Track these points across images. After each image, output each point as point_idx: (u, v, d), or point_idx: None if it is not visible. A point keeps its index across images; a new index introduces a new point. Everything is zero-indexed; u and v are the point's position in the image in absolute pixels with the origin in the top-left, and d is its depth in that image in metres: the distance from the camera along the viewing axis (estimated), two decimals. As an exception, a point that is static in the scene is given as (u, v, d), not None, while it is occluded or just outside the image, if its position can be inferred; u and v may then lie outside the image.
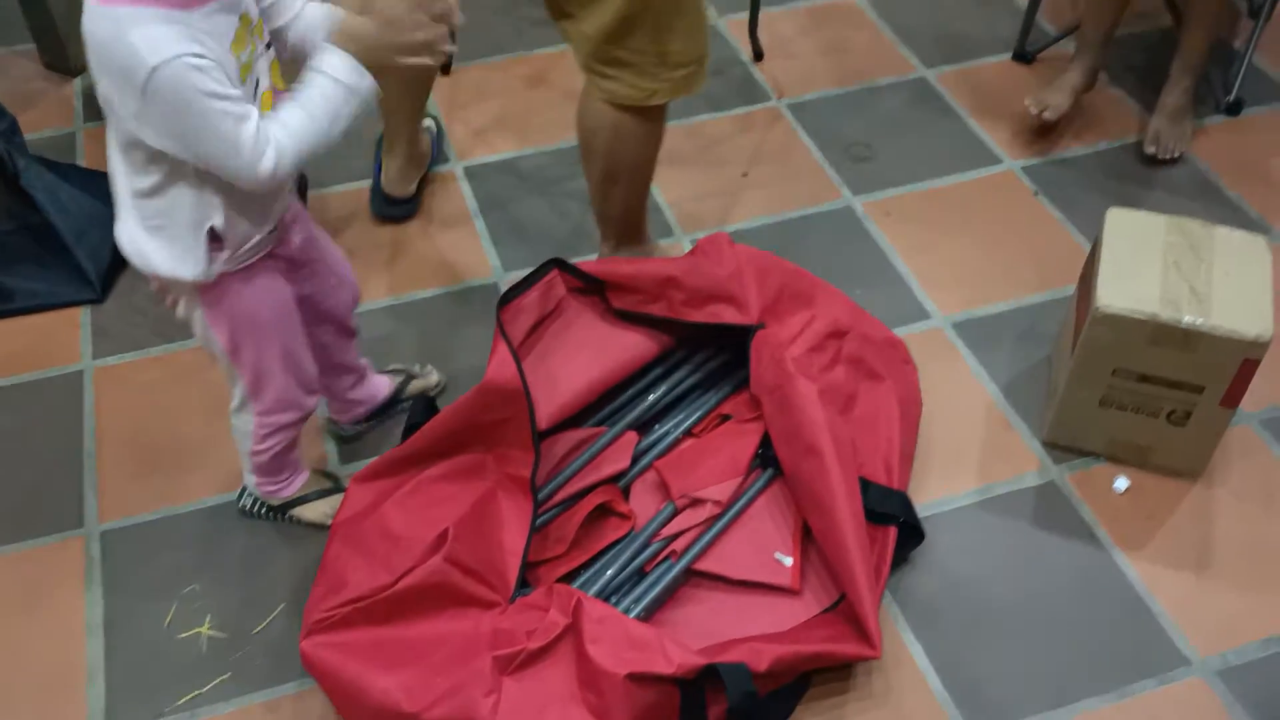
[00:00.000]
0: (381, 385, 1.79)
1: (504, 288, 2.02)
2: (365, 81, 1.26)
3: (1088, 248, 2.07)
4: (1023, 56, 2.50)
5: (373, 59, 1.27)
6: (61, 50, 2.36)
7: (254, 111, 1.21)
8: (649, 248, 2.00)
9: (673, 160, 2.27)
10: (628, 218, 1.91)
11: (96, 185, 2.05)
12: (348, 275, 1.60)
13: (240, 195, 1.28)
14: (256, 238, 1.35)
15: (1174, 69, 2.27)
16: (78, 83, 2.39)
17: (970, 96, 2.43)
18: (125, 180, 1.29)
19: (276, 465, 1.60)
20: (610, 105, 1.68)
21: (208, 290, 1.36)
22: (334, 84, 1.24)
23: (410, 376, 1.84)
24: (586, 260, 1.68)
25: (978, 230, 2.16)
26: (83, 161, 2.22)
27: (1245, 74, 2.37)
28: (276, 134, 1.22)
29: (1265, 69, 2.48)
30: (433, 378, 1.86)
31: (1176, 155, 2.26)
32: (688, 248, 2.09)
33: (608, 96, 1.67)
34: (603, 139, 1.74)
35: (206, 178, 1.25)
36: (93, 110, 2.33)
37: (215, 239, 1.30)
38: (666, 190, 2.22)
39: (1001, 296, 2.03)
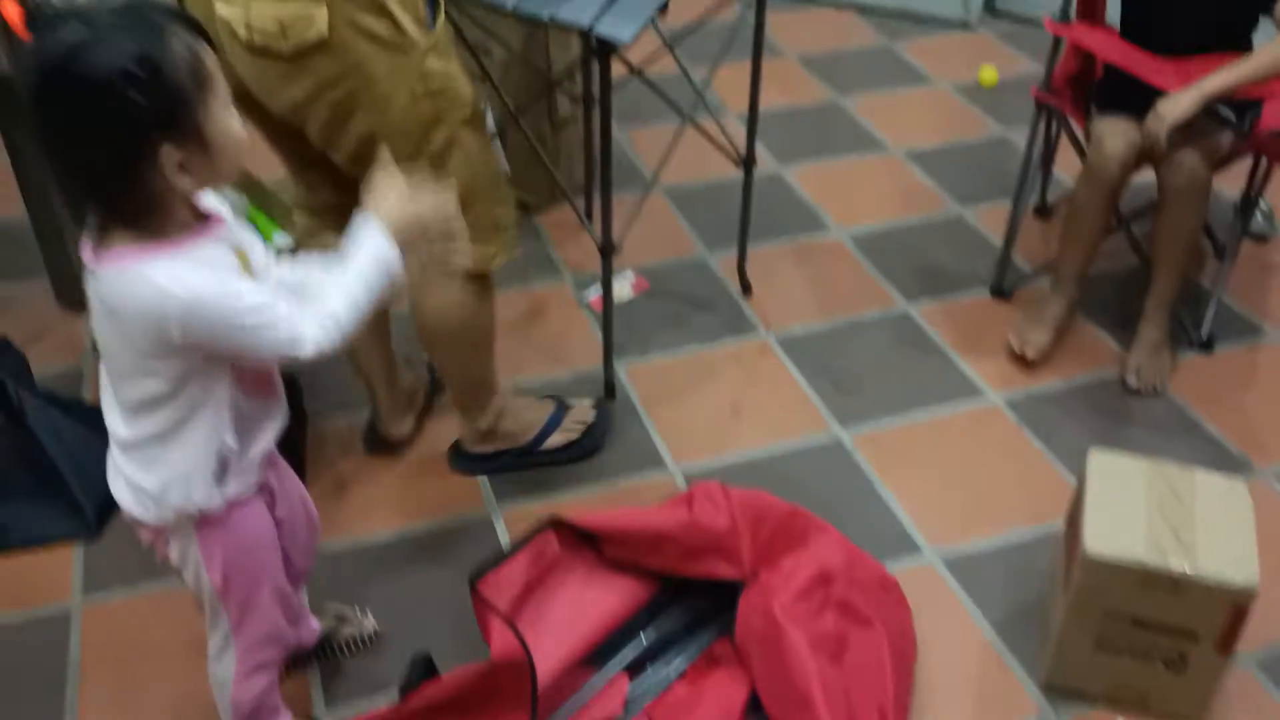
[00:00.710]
0: (312, 631, 1.75)
1: (498, 523, 2.05)
2: (395, 256, 1.34)
3: (1072, 482, 2.10)
4: (1000, 292, 2.61)
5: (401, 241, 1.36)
6: (76, 287, 2.45)
7: (278, 294, 1.27)
8: (503, 398, 2.07)
9: (666, 392, 2.34)
10: (486, 380, 2.02)
11: (99, 421, 2.09)
12: (315, 517, 1.63)
13: (247, 412, 1.33)
14: (257, 455, 1.38)
15: (1148, 305, 2.36)
16: (89, 318, 2.47)
17: (952, 331, 2.52)
18: (128, 428, 1.32)
19: (257, 711, 1.57)
20: (454, 282, 1.82)
21: (206, 523, 1.37)
22: (371, 261, 1.32)
23: (342, 620, 1.82)
24: (584, 514, 1.70)
25: (965, 464, 2.19)
26: (88, 395, 2.27)
27: (1216, 312, 2.47)
28: (321, 311, 1.28)
29: (1234, 306, 2.58)
30: (367, 624, 1.83)
31: (1159, 387, 2.33)
32: (679, 480, 2.14)
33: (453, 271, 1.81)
34: (453, 317, 1.88)
35: (221, 402, 1.29)
36: (102, 345, 2.40)
37: (222, 465, 1.33)
38: (658, 422, 2.27)
39: (991, 531, 2.05)
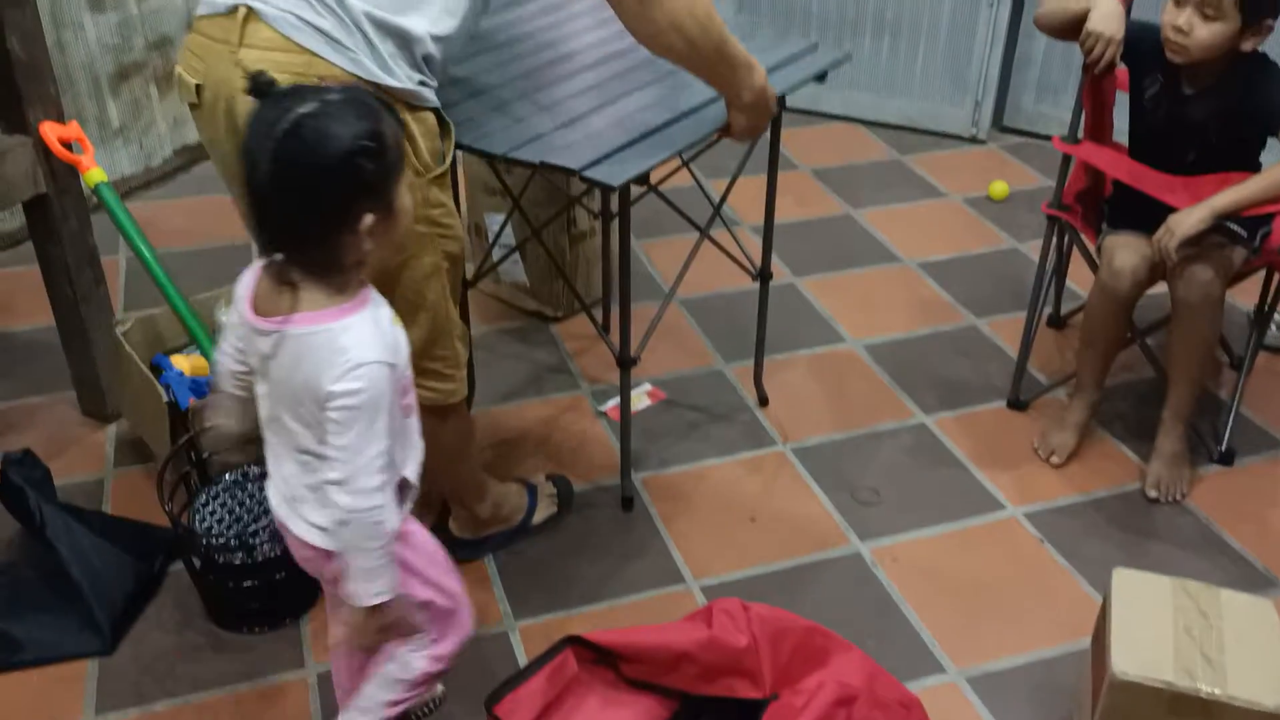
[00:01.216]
0: None
1: (515, 638, 2.03)
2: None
3: (1096, 598, 2.09)
4: (1017, 404, 2.61)
5: None
6: (100, 398, 2.47)
7: None
8: (499, 495, 2.20)
9: (683, 504, 2.33)
10: (476, 480, 2.14)
11: (119, 533, 2.11)
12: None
13: (401, 442, 1.46)
14: (414, 475, 1.52)
15: (1165, 416, 2.36)
16: (112, 429, 2.49)
17: (969, 442, 2.52)
18: (310, 474, 1.42)
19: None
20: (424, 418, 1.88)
21: (398, 543, 1.45)
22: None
23: None
24: (601, 632, 1.69)
25: (986, 579, 2.17)
26: (109, 507, 2.27)
27: (1234, 424, 2.46)
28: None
29: (1253, 418, 2.57)
30: (437, 689, 1.87)
31: (1179, 498, 2.32)
32: (698, 594, 2.12)
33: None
34: (429, 445, 1.90)
35: (391, 435, 1.38)
36: (124, 457, 2.42)
37: (401, 490, 1.47)
38: (676, 535, 2.26)
39: (1015, 649, 2.02)
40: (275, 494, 1.50)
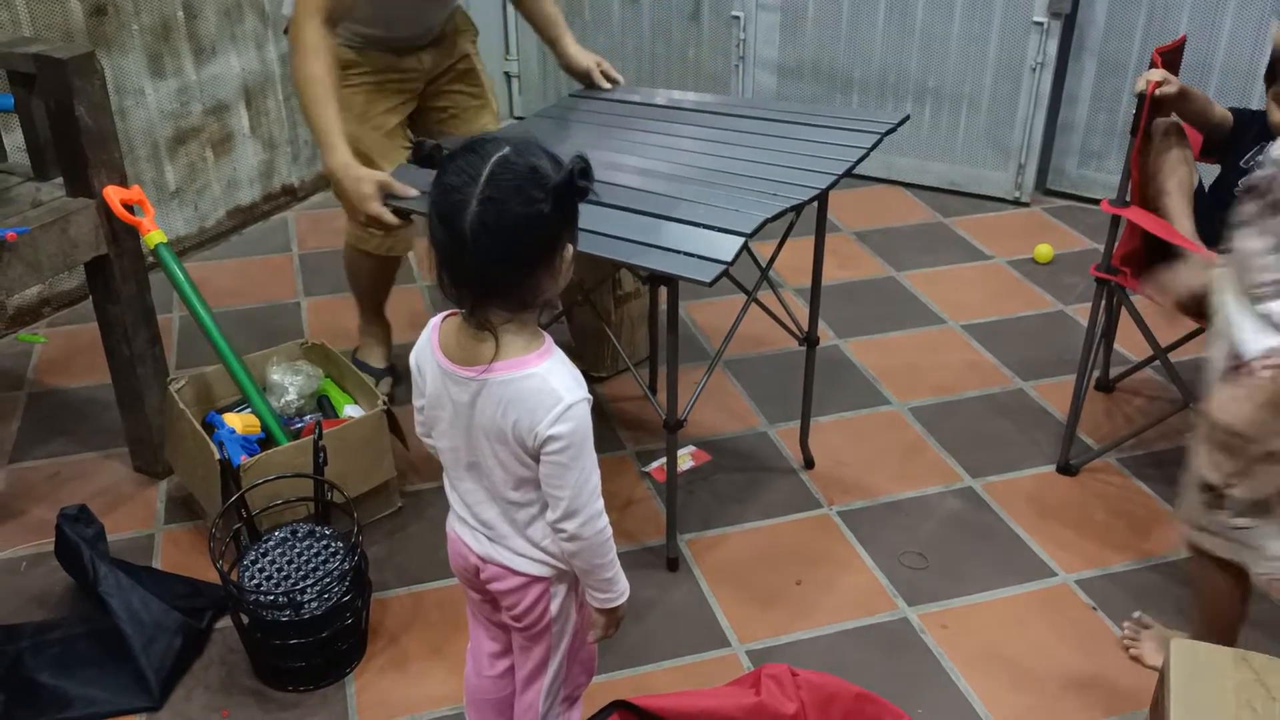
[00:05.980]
0: None
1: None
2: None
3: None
4: (1066, 469, 2.58)
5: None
6: (152, 455, 2.51)
7: None
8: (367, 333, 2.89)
9: (728, 567, 2.32)
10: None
11: (168, 589, 2.13)
12: None
13: None
14: None
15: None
16: (163, 485, 2.53)
17: (1019, 507, 2.48)
18: (517, 511, 1.46)
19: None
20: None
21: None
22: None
23: None
24: (648, 695, 1.67)
25: (1039, 647, 2.13)
26: (158, 562, 2.30)
27: (1290, 490, 2.41)
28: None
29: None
30: None
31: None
32: (743, 658, 2.10)
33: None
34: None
35: None
36: (174, 513, 2.45)
37: None
38: (721, 597, 2.24)
39: (1069, 720, 1.98)
40: (470, 534, 1.52)
